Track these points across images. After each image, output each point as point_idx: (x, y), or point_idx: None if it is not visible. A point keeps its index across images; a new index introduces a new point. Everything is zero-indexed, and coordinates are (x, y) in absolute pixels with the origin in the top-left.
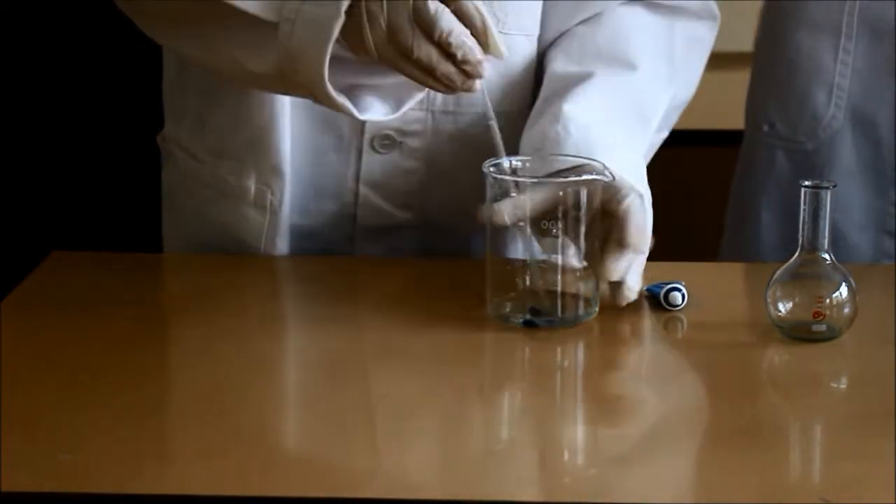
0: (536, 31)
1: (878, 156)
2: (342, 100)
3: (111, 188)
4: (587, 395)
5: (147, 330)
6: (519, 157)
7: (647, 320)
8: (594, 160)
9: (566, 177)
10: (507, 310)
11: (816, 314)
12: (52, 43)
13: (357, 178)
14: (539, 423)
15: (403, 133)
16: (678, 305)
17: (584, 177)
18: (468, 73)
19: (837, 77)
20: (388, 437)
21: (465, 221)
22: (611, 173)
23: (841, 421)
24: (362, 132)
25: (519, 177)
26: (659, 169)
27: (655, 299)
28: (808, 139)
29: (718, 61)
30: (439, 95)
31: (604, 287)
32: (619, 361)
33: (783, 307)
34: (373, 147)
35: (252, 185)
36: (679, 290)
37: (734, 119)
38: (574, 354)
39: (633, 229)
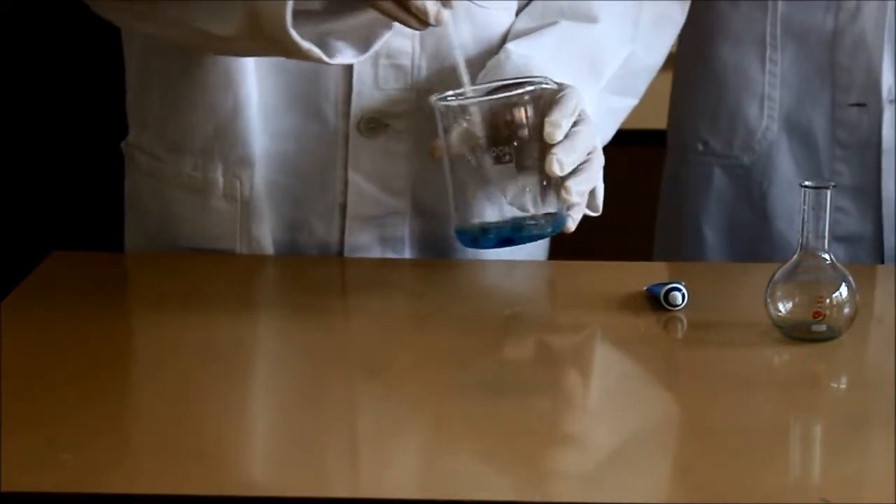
0: (514, 5)
1: (816, 161)
2: (308, 45)
3: (111, 189)
4: (586, 395)
5: (147, 330)
6: (463, 89)
7: (647, 320)
8: (534, 76)
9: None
10: (476, 233)
11: (816, 314)
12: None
13: (345, 166)
14: (537, 422)
15: (389, 115)
16: (678, 305)
17: (528, 87)
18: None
19: (767, 88)
20: (385, 438)
21: None
22: (552, 81)
23: (841, 421)
24: (347, 116)
25: (461, 95)
26: (636, 169)
27: (655, 299)
28: (745, 153)
29: None
30: (423, 73)
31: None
32: (619, 361)
33: (783, 307)
34: (359, 131)
35: (220, 177)
36: (679, 290)
37: None
38: (573, 354)
39: (559, 111)
